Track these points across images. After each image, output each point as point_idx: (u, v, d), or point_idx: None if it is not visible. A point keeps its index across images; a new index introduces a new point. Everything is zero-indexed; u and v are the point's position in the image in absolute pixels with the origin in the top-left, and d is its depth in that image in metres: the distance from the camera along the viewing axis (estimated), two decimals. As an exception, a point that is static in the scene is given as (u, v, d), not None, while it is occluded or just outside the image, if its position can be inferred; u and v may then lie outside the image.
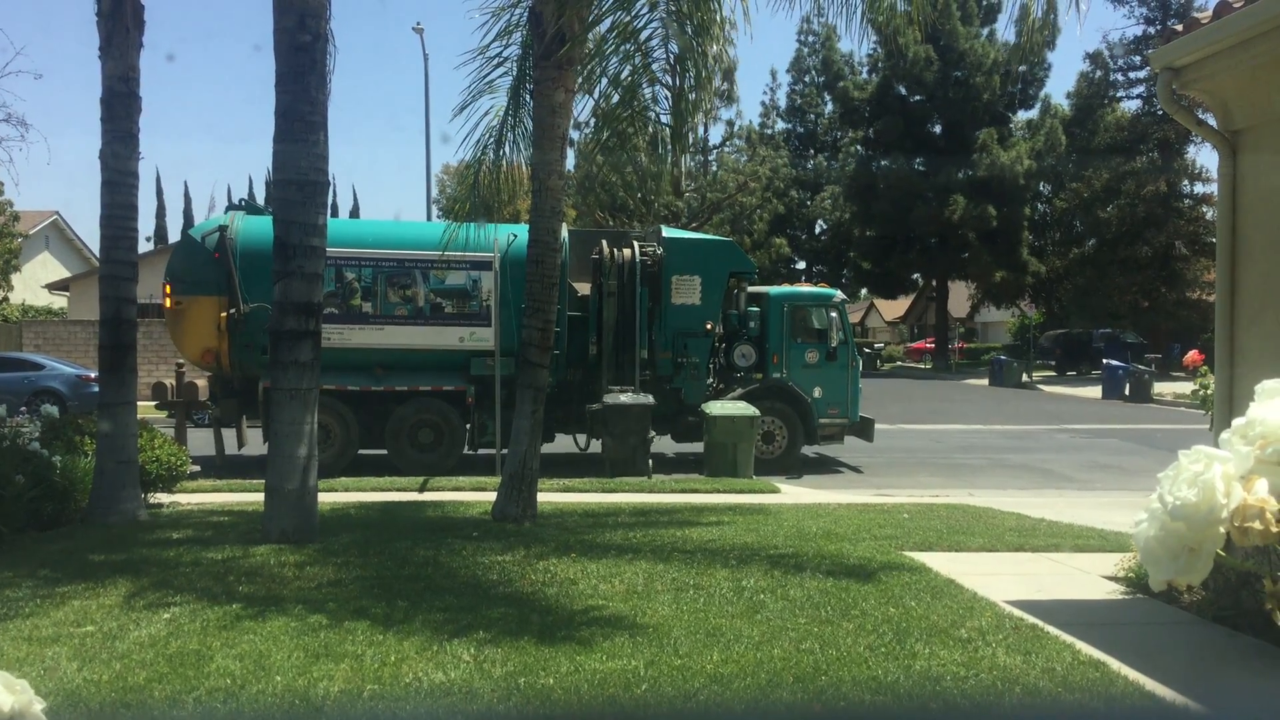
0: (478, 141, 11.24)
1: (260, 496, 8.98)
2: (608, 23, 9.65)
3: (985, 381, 40.35)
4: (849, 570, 7.44)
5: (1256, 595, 5.69)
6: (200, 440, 15.16)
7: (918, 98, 48.97)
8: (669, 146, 10.01)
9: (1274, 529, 3.06)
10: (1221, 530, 2.05)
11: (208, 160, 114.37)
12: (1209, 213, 41.36)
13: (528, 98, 10.95)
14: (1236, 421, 2.21)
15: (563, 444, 15.64)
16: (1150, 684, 4.96)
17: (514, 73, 11.02)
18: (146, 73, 9.93)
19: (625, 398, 14.28)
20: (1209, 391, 8.76)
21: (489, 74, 10.87)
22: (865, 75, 52.00)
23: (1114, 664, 5.25)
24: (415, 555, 7.82)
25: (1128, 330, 45.39)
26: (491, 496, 10.21)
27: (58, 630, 5.73)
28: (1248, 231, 7.15)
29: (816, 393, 15.86)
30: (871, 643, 5.55)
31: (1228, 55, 6.83)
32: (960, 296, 56.65)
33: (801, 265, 59.79)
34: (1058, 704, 4.70)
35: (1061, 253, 49.25)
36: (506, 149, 11.38)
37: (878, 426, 16.87)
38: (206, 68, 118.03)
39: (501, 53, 10.84)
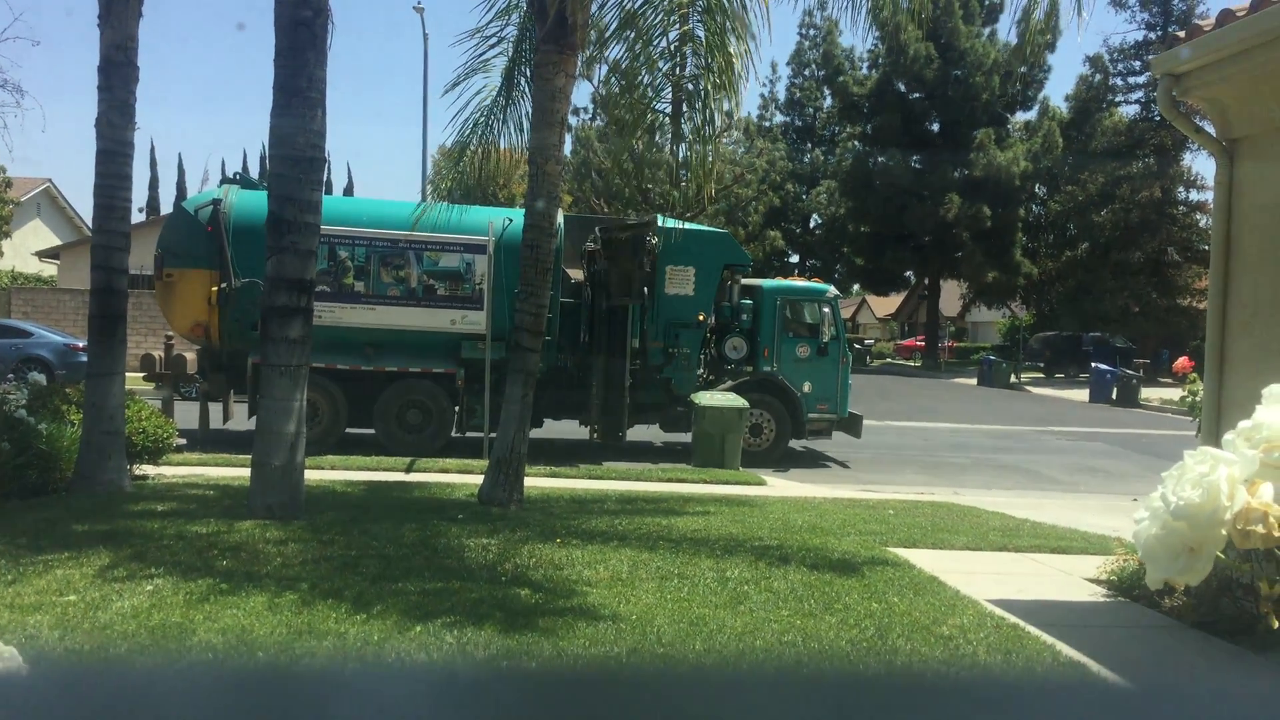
0: (465, 120, 11.25)
1: (246, 471, 8.95)
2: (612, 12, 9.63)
3: (974, 381, 40.43)
4: (833, 564, 7.46)
5: (1236, 602, 5.73)
6: (186, 413, 15.10)
7: (917, 95, 48.93)
8: (681, 136, 9.95)
9: (1276, 533, 3.07)
10: (1223, 532, 2.05)
11: (203, 132, 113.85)
12: (1203, 220, 41.54)
13: (522, 81, 10.94)
14: (1242, 424, 2.22)
15: (552, 429, 15.63)
16: (1127, 686, 4.98)
17: (509, 53, 10.98)
18: (143, 42, 9.85)
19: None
20: (1198, 398, 8.80)
21: (483, 53, 10.86)
22: (865, 71, 51.91)
23: (1093, 665, 5.27)
24: (400, 535, 7.80)
25: (1117, 334, 45.57)
26: (478, 479, 10.21)
27: (40, 599, 5.71)
28: (1242, 240, 7.18)
29: (806, 387, 15.87)
30: (853, 637, 5.57)
31: (1229, 64, 6.85)
32: (952, 295, 56.79)
33: (795, 259, 59.81)
34: (1034, 703, 4.71)
35: (1054, 255, 49.38)
36: (496, 130, 11.36)
37: (866, 423, 16.92)
38: (204, 39, 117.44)
39: (500, 32, 10.83)
